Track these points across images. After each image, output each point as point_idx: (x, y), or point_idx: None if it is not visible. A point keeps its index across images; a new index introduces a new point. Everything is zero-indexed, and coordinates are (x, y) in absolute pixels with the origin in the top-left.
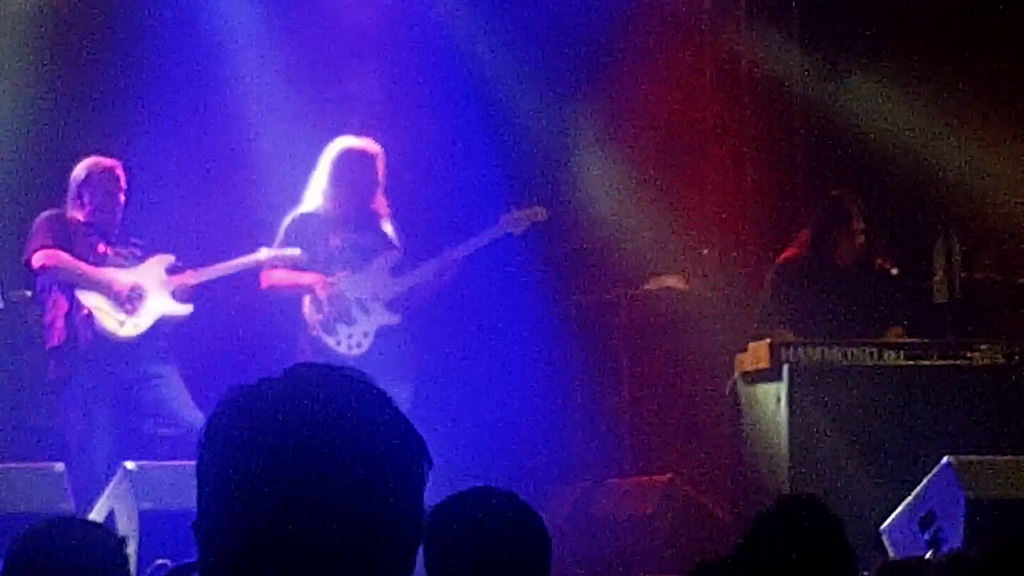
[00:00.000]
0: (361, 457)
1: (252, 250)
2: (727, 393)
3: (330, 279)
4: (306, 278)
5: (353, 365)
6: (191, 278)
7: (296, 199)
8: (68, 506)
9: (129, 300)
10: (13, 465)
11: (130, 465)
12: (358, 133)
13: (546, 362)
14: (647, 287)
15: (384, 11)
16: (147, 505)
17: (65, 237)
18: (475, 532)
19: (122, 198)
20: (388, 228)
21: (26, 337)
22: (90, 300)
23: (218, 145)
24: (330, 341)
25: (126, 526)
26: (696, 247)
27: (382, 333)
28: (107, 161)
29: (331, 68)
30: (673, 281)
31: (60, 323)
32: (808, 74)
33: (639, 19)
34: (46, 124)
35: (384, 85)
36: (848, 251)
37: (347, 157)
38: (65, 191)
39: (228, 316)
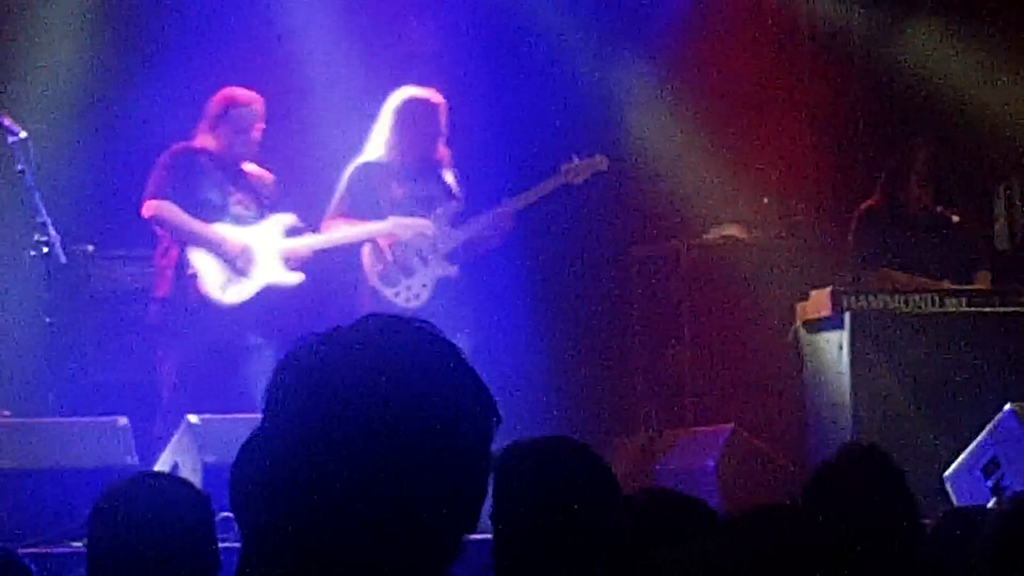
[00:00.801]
0: (431, 410)
1: (312, 205)
2: (789, 342)
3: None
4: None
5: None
6: (306, 247)
7: (356, 152)
8: (133, 460)
9: (237, 264)
10: (76, 419)
11: (193, 418)
12: (419, 84)
13: (607, 312)
14: (707, 237)
15: None
16: (211, 458)
17: (190, 175)
18: (544, 482)
19: (257, 136)
20: (450, 178)
21: (88, 292)
22: (197, 260)
23: (275, 101)
24: (388, 292)
25: (190, 477)
26: (757, 196)
27: (441, 284)
28: (245, 95)
29: (390, 20)
30: (734, 230)
31: (169, 274)
32: (867, 24)
33: None
34: (107, 80)
35: (443, 36)
36: (915, 197)
37: (410, 106)
38: (123, 147)
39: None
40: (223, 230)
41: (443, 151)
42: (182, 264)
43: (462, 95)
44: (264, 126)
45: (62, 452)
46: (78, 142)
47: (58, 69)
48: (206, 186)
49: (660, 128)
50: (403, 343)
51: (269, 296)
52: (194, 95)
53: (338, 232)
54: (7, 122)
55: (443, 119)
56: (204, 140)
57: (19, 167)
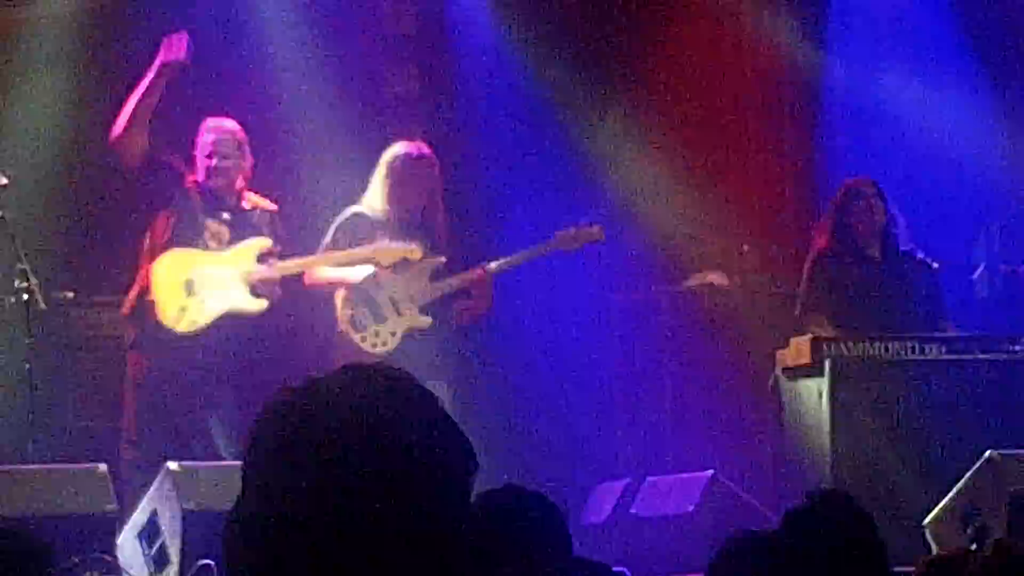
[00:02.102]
0: (408, 460)
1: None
2: (769, 389)
3: (364, 276)
4: (339, 272)
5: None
6: (277, 270)
7: (341, 203)
8: (112, 507)
9: (193, 289)
10: (56, 466)
11: (173, 465)
12: (409, 136)
13: (587, 359)
14: (689, 284)
15: (422, 13)
16: (190, 505)
17: (169, 197)
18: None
19: (231, 163)
20: (439, 234)
21: (68, 339)
22: (157, 286)
23: (263, 150)
24: (356, 337)
25: (169, 526)
26: (737, 244)
27: (411, 334)
28: (209, 123)
29: (376, 75)
30: (714, 278)
31: (134, 294)
32: (845, 75)
33: (680, 21)
34: (88, 124)
35: (430, 91)
36: (867, 232)
37: (401, 162)
38: (103, 193)
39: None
40: (187, 254)
41: (434, 206)
42: (146, 289)
43: (454, 151)
44: (242, 154)
45: (42, 499)
46: (58, 188)
47: (38, 115)
48: (179, 214)
49: (641, 177)
50: (377, 393)
51: (231, 323)
52: (177, 141)
53: (311, 259)
54: None
55: (435, 175)
56: (194, 171)
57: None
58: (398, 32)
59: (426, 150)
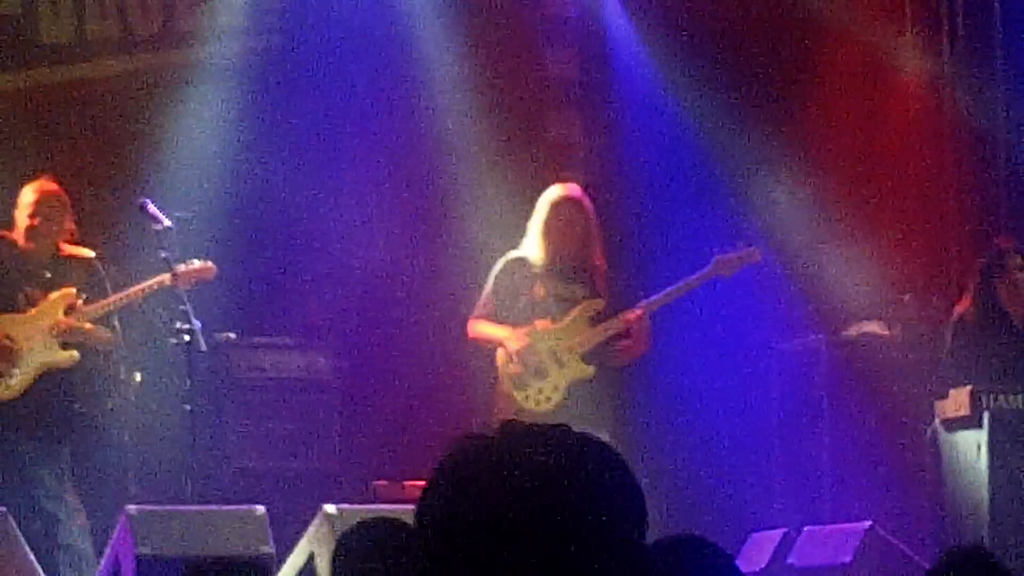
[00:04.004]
0: (585, 515)
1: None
2: (927, 440)
3: (523, 332)
4: (500, 332)
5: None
6: (84, 317)
7: (501, 249)
8: (269, 549)
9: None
10: (215, 508)
11: (330, 508)
12: (565, 180)
13: (745, 405)
14: (847, 333)
15: (585, 62)
16: None
17: None
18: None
19: (54, 226)
20: (599, 278)
21: (229, 380)
22: None
23: (421, 188)
24: (518, 396)
25: (327, 568)
26: (897, 293)
27: (574, 386)
28: (43, 185)
29: (536, 120)
30: (874, 327)
31: None
32: (1011, 117)
33: (840, 62)
34: (251, 166)
35: (588, 131)
36: (1013, 299)
37: (556, 204)
38: (266, 235)
39: (436, 362)
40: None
41: (593, 250)
42: None
43: (608, 192)
44: (50, 214)
45: (200, 540)
46: (220, 231)
47: (203, 156)
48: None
49: (801, 223)
50: (549, 449)
51: (52, 380)
52: (335, 187)
53: (115, 297)
54: (152, 210)
55: (591, 217)
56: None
57: (162, 255)
58: (560, 77)
59: (579, 193)
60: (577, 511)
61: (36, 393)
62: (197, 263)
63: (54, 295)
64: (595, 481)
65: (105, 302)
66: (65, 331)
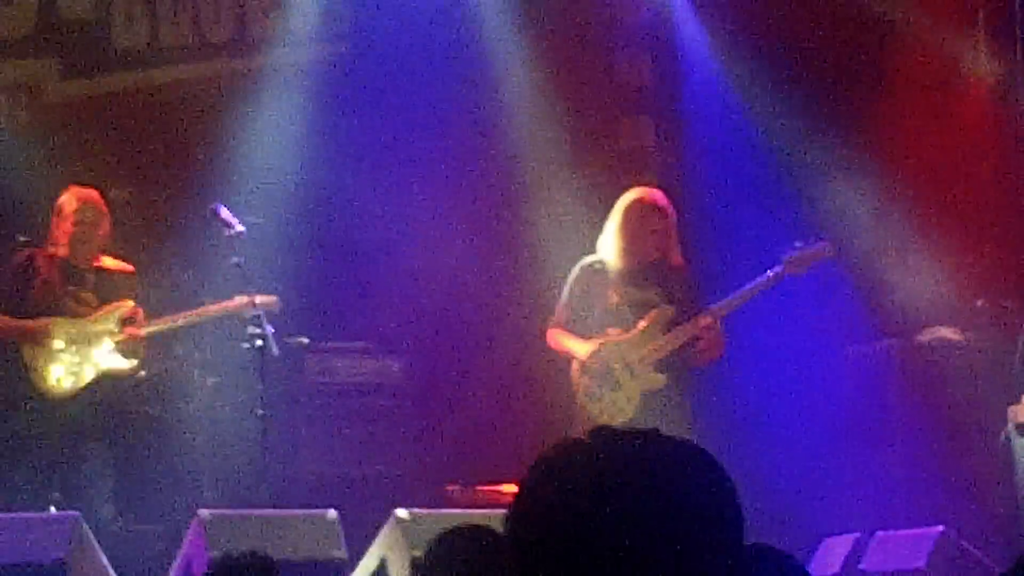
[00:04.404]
0: (682, 516)
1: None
2: (1000, 444)
3: (594, 343)
4: (573, 343)
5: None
6: (143, 329)
7: (578, 254)
8: (341, 553)
9: (69, 354)
10: (288, 511)
11: (402, 513)
12: (638, 184)
13: (818, 410)
14: (921, 338)
15: (657, 68)
16: (419, 552)
17: (23, 276)
18: None
19: (96, 232)
20: (677, 279)
21: (301, 384)
22: (28, 354)
23: (492, 193)
24: (593, 409)
25: (399, 572)
26: (970, 298)
27: (647, 396)
28: (83, 192)
29: (609, 122)
30: (947, 332)
31: None
32: None
33: (911, 66)
34: (320, 171)
35: (660, 136)
36: None
37: (634, 209)
38: (336, 240)
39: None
40: (51, 323)
41: (669, 253)
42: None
43: (680, 197)
44: (94, 221)
45: (273, 544)
46: (292, 236)
47: (274, 166)
48: (36, 286)
49: (875, 227)
50: (646, 451)
51: (107, 383)
52: (407, 193)
53: (177, 315)
54: (224, 215)
55: (669, 221)
56: (50, 242)
57: (235, 260)
58: (632, 83)
59: (660, 197)
60: (673, 512)
61: (91, 395)
62: (260, 298)
63: (113, 305)
64: (691, 482)
65: (171, 321)
66: (129, 342)
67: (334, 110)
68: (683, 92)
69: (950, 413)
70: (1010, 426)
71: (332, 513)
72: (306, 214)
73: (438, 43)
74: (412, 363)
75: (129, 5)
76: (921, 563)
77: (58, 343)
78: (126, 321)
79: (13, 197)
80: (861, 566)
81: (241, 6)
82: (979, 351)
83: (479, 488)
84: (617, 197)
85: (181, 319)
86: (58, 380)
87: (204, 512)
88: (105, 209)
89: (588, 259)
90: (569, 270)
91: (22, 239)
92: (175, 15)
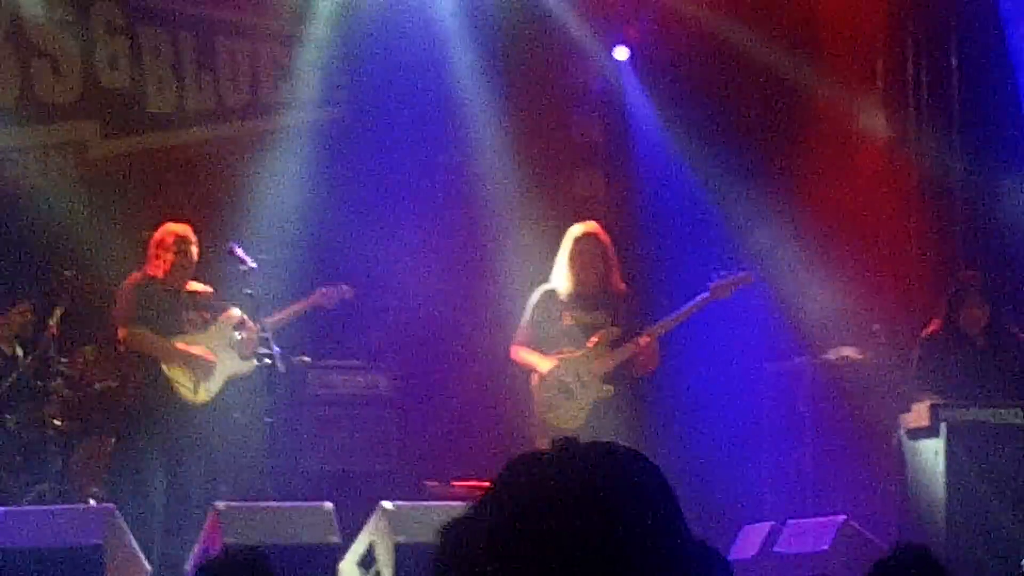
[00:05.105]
0: (638, 521)
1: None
2: (893, 447)
3: (553, 359)
4: (534, 358)
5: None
6: (254, 333)
7: (533, 280)
8: (337, 539)
9: (201, 367)
10: (290, 504)
11: (387, 505)
12: (585, 220)
13: (741, 417)
14: (827, 356)
15: (605, 125)
16: (401, 539)
17: (146, 299)
18: None
19: (180, 259)
20: (620, 302)
21: (304, 396)
22: (172, 372)
23: (465, 233)
24: (550, 416)
25: (384, 555)
26: (869, 322)
27: (597, 404)
28: (168, 229)
29: (564, 173)
30: (849, 351)
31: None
32: (966, 171)
33: (822, 124)
34: (322, 214)
35: (608, 186)
36: (973, 324)
37: (578, 241)
38: (333, 274)
39: (478, 380)
40: (183, 342)
41: (611, 280)
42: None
43: (626, 235)
44: (189, 251)
45: (277, 531)
46: (297, 270)
47: (283, 211)
48: (161, 310)
49: (790, 263)
50: (605, 465)
51: (235, 384)
52: (394, 233)
53: (276, 315)
54: (239, 253)
55: (606, 249)
56: (152, 269)
57: (247, 291)
58: (585, 139)
59: (599, 230)
60: (630, 518)
61: (222, 400)
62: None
63: (224, 316)
64: (641, 489)
65: (277, 319)
66: (250, 344)
67: (334, 163)
68: (630, 148)
69: (852, 419)
70: (901, 431)
71: (328, 505)
72: (308, 252)
73: (422, 106)
74: (397, 377)
75: (160, 75)
76: (826, 546)
77: (202, 361)
78: (237, 327)
79: (62, 237)
80: (775, 549)
81: (255, 75)
82: (876, 367)
83: (454, 483)
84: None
85: (288, 315)
86: (199, 391)
87: (220, 504)
88: (195, 240)
89: (544, 286)
90: (529, 296)
91: (67, 273)
92: (199, 83)
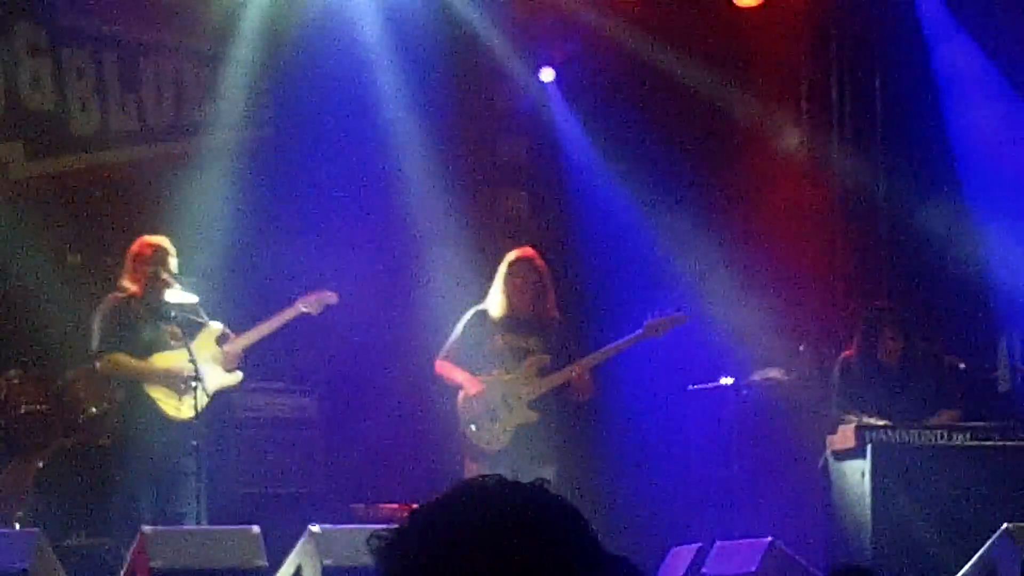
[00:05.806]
0: (546, 566)
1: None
2: (820, 469)
3: (480, 380)
4: (462, 376)
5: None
6: (238, 345)
7: (465, 304)
8: (263, 563)
9: (186, 383)
10: (217, 527)
11: (315, 528)
12: (515, 247)
13: (670, 440)
14: (753, 378)
15: (531, 147)
16: (329, 561)
17: (124, 319)
18: None
19: (168, 272)
20: (552, 329)
21: (230, 420)
22: (153, 391)
23: (393, 253)
24: (474, 437)
25: None
26: (794, 345)
27: (521, 428)
28: (144, 242)
29: (490, 193)
30: (775, 373)
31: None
32: (888, 198)
33: (747, 151)
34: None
35: (535, 207)
36: (888, 352)
37: (512, 265)
38: (270, 296)
39: (404, 403)
40: (166, 359)
41: (545, 307)
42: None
43: (552, 256)
44: (167, 262)
45: (204, 555)
46: (223, 294)
47: (207, 232)
48: (140, 328)
49: (717, 285)
50: (507, 507)
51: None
52: (320, 253)
53: (260, 326)
54: (165, 276)
55: (541, 275)
56: (129, 284)
57: (173, 314)
58: (511, 161)
59: (532, 254)
60: (537, 564)
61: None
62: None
63: (205, 330)
64: (552, 533)
65: (255, 334)
66: (234, 358)
67: (260, 184)
68: (556, 169)
69: (778, 441)
70: (828, 452)
71: (255, 528)
72: (234, 272)
73: (349, 127)
74: (324, 400)
75: (83, 96)
76: (753, 567)
77: (182, 376)
78: (219, 340)
79: None
80: (703, 571)
81: (179, 96)
82: (802, 388)
83: (380, 506)
84: (497, 256)
85: (266, 328)
86: (184, 407)
87: (146, 528)
88: (173, 251)
89: (478, 307)
90: (456, 320)
91: None
92: (122, 105)
